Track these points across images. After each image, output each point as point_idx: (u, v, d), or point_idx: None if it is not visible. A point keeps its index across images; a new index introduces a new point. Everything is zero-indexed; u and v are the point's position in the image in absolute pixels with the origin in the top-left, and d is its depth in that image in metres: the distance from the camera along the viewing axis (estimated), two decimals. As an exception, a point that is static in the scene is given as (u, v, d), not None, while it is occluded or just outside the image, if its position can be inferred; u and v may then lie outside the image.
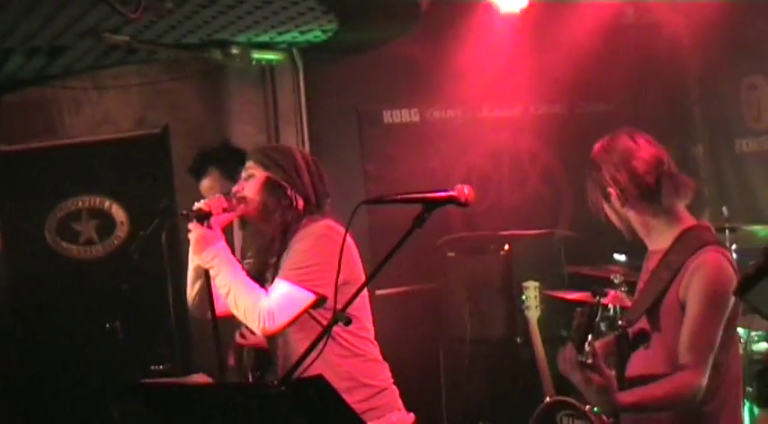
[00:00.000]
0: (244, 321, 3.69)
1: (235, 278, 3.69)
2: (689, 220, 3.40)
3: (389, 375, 3.83)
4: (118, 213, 7.08)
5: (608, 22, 7.07)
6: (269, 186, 3.77)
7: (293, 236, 3.72)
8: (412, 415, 3.83)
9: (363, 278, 3.70)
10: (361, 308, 3.76)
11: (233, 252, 3.84)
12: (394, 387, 3.83)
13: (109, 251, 7.08)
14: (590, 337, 3.15)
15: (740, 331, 5.53)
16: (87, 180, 7.04)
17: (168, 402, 3.10)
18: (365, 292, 3.75)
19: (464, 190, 3.08)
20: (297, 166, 3.78)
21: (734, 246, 5.55)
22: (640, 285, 3.51)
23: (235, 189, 3.87)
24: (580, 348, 3.13)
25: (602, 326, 5.27)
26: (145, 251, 5.68)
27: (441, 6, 6.56)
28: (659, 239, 3.39)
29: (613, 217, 3.45)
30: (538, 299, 5.88)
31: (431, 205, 3.05)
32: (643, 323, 3.35)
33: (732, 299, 3.23)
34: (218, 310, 3.88)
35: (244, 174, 3.86)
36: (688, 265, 3.26)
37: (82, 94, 6.97)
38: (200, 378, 3.89)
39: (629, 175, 3.36)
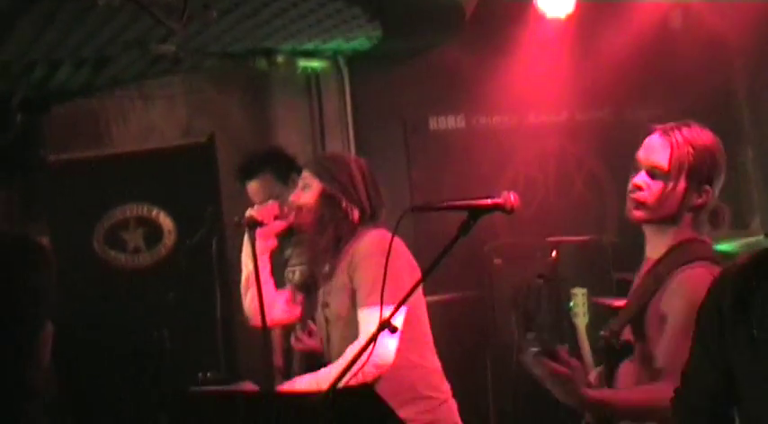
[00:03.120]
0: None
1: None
2: (688, 232, 3.24)
3: (449, 386, 3.80)
4: (165, 221, 7.12)
5: (654, 25, 7.02)
6: (325, 197, 3.76)
7: (347, 246, 3.70)
8: None
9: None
10: (422, 315, 3.74)
11: (271, 262, 3.85)
12: (453, 400, 3.80)
13: (156, 260, 7.12)
14: (536, 321, 3.06)
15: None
16: (134, 189, 7.08)
17: (215, 410, 3.10)
18: (424, 302, 3.75)
19: (510, 197, 3.05)
20: (353, 178, 3.77)
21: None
22: (630, 293, 3.40)
23: (291, 197, 3.86)
24: (525, 333, 3.04)
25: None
26: (192, 259, 5.70)
27: (485, 12, 6.54)
28: (657, 245, 3.27)
29: (659, 198, 3.20)
30: (586, 306, 5.82)
31: (476, 212, 3.02)
32: (627, 334, 3.24)
33: None
34: (271, 318, 3.88)
35: (300, 184, 3.85)
36: (673, 278, 3.14)
37: (128, 104, 7.02)
38: (247, 386, 3.89)
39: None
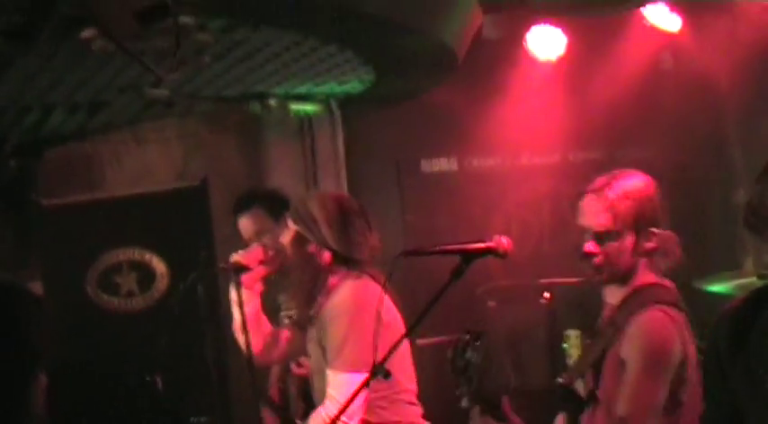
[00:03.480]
0: None
1: None
2: (644, 276, 3.27)
3: None
4: (158, 265, 7.10)
5: (646, 67, 7.06)
6: (297, 240, 3.76)
7: (327, 292, 3.69)
8: None
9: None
10: (402, 367, 3.71)
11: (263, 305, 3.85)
12: None
13: (149, 304, 7.09)
14: (463, 378, 3.06)
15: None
16: (128, 233, 7.07)
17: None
18: (407, 351, 3.73)
19: (502, 241, 3.07)
20: (315, 218, 3.74)
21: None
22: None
23: (280, 242, 3.87)
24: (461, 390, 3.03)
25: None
26: (184, 303, 5.69)
27: (477, 55, 6.57)
28: (614, 291, 3.32)
29: (614, 259, 3.27)
30: (580, 348, 5.81)
31: (469, 257, 3.03)
32: (589, 381, 3.26)
33: (672, 360, 3.10)
34: (271, 358, 3.88)
35: (287, 227, 3.86)
36: (629, 323, 3.16)
37: (122, 148, 7.03)
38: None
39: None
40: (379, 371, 2.94)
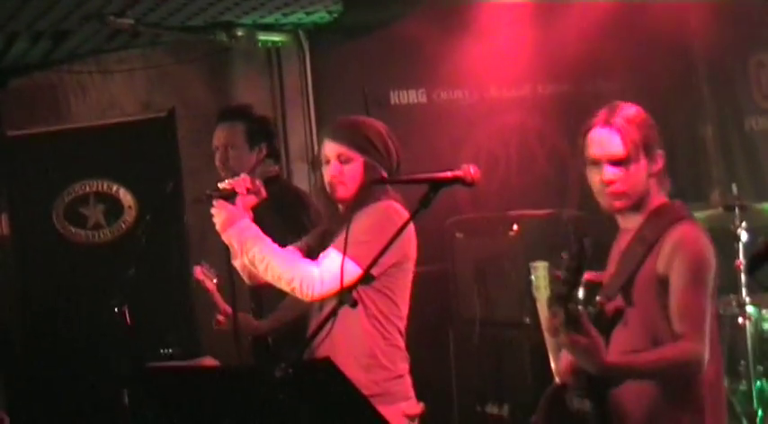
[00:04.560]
0: (287, 289, 3.66)
1: (270, 249, 3.67)
2: (660, 197, 3.38)
3: (407, 367, 3.82)
4: (125, 197, 7.07)
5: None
6: (368, 170, 3.74)
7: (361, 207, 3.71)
8: (421, 405, 3.82)
9: (414, 261, 3.80)
10: (404, 295, 3.77)
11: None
12: (409, 378, 3.81)
13: (117, 236, 7.07)
14: (575, 290, 3.12)
15: (750, 309, 5.51)
16: (94, 164, 7.03)
17: (177, 386, 3.09)
18: (410, 281, 3.79)
19: (470, 170, 3.07)
20: (388, 149, 3.82)
21: (743, 224, 5.51)
22: (611, 265, 3.47)
23: (331, 175, 3.79)
24: (567, 297, 3.10)
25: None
26: (152, 235, 5.67)
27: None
28: (631, 217, 3.38)
29: (632, 183, 3.33)
30: (547, 280, 5.83)
31: (437, 185, 3.05)
32: (618, 301, 3.33)
33: (714, 270, 3.23)
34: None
35: (341, 158, 3.78)
36: (664, 239, 3.24)
37: (87, 79, 6.96)
38: (208, 361, 3.89)
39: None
40: (345, 300, 2.95)
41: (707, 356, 3.15)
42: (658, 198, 3.36)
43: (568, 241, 5.90)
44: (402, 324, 3.81)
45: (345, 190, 3.75)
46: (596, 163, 3.36)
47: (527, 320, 6.30)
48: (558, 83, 7.57)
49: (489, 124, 7.46)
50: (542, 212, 6.56)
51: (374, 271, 3.37)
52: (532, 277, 5.86)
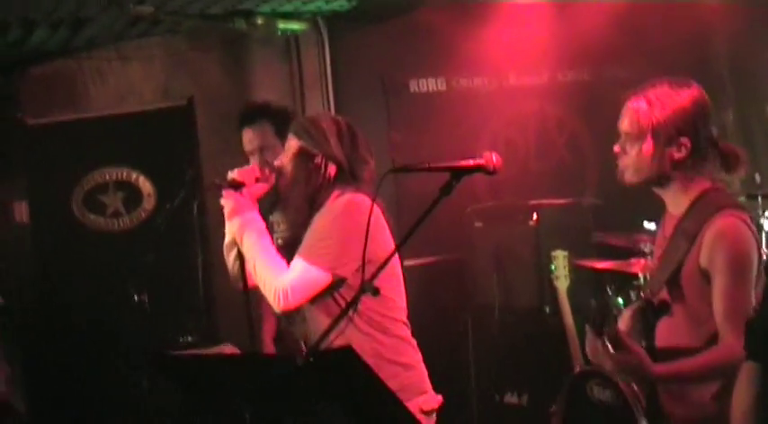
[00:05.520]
0: (265, 295, 3.65)
1: (260, 249, 3.65)
2: (704, 182, 3.32)
3: (418, 355, 3.78)
4: (144, 185, 7.09)
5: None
6: (300, 155, 3.73)
7: (319, 209, 3.67)
8: (440, 397, 3.79)
9: (392, 248, 3.62)
10: (392, 286, 3.69)
11: (266, 224, 3.81)
12: (422, 367, 3.76)
13: (136, 224, 7.09)
14: (606, 328, 3.11)
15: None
16: (113, 152, 7.04)
17: (195, 373, 3.09)
18: (398, 270, 3.72)
19: (491, 158, 3.04)
20: (325, 132, 3.71)
21: (767, 214, 5.48)
22: (657, 251, 3.45)
23: (276, 162, 3.83)
24: (600, 335, 3.10)
25: (633, 295, 5.23)
26: (172, 222, 5.67)
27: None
28: (676, 201, 3.34)
29: (635, 161, 3.30)
30: (567, 268, 5.83)
31: (458, 173, 3.01)
32: (663, 294, 3.30)
33: (755, 263, 3.18)
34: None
35: (285, 146, 3.82)
36: (705, 232, 3.19)
37: (106, 66, 6.96)
38: (227, 349, 3.87)
39: (706, 130, 3.30)
40: (367, 288, 2.93)
41: None
42: (701, 182, 3.30)
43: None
44: (402, 315, 3.75)
45: (282, 178, 3.76)
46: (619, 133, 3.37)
47: (546, 308, 6.30)
48: (577, 70, 7.53)
49: (508, 112, 7.44)
50: (561, 201, 6.54)
51: (343, 273, 3.46)
52: (552, 265, 5.89)
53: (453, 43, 7.05)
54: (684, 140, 3.27)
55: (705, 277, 3.19)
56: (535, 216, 6.43)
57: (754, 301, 3.15)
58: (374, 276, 2.95)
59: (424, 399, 3.69)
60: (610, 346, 3.09)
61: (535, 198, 6.60)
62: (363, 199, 3.60)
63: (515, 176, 7.20)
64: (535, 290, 6.29)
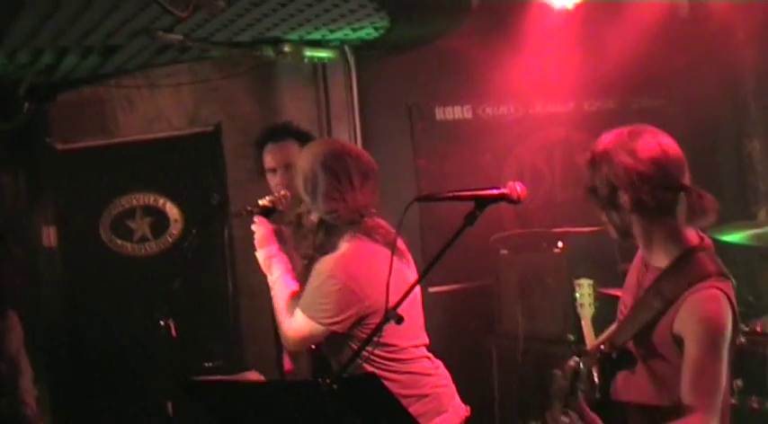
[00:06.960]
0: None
1: (282, 287, 3.75)
2: (692, 238, 3.18)
3: (434, 379, 3.78)
4: (171, 211, 7.12)
5: (662, 15, 6.99)
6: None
7: (327, 247, 3.72)
8: (464, 411, 3.80)
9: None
10: (391, 331, 3.58)
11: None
12: (439, 390, 3.78)
13: (163, 249, 7.12)
14: (570, 399, 3.08)
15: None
16: (141, 178, 7.08)
17: (221, 399, 3.11)
18: (417, 302, 3.76)
19: (516, 188, 3.06)
20: (303, 181, 3.79)
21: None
22: (627, 298, 3.35)
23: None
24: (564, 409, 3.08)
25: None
26: (199, 248, 5.70)
27: (492, 2, 6.53)
28: (659, 255, 3.19)
29: (609, 217, 3.27)
30: (592, 297, 5.82)
31: (483, 202, 3.03)
32: (629, 347, 3.20)
33: (729, 339, 3.04)
34: None
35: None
36: (684, 299, 3.06)
37: (135, 93, 7.02)
38: (252, 376, 3.92)
39: (651, 185, 3.10)
40: (391, 316, 2.94)
41: None
42: (687, 236, 3.17)
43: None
44: (412, 352, 3.77)
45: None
46: None
47: (571, 336, 6.29)
48: (603, 99, 7.55)
49: (534, 140, 7.46)
50: (587, 229, 6.53)
51: (338, 329, 3.59)
52: (577, 294, 5.88)
53: (479, 71, 7.08)
54: (625, 195, 3.18)
55: (677, 343, 3.06)
56: (561, 244, 6.43)
57: (724, 380, 3.03)
58: (398, 303, 2.97)
59: (441, 419, 3.72)
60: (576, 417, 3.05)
61: (561, 226, 6.61)
62: (357, 248, 3.67)
63: (541, 204, 7.21)
64: (560, 318, 6.28)
